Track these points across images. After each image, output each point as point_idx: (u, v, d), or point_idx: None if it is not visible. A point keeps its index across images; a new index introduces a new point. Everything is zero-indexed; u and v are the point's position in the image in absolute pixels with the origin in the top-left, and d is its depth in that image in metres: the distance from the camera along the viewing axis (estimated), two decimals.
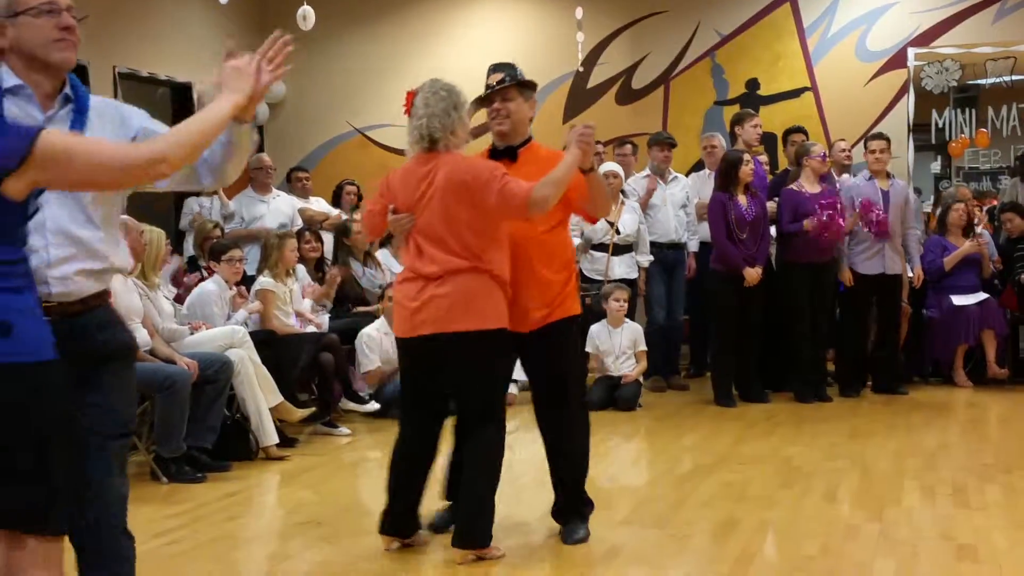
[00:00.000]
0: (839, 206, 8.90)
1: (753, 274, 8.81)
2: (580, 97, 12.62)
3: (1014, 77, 11.75)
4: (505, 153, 5.05)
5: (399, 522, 4.96)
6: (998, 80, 11.80)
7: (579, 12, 12.04)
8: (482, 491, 4.82)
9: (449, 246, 4.70)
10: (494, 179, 4.63)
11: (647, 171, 10.03)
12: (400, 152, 5.02)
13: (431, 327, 4.69)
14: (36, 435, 2.69)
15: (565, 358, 5.17)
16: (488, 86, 5.04)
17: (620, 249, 9.45)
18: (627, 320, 9.14)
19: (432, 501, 5.19)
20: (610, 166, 9.56)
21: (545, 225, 4.94)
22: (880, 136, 9.67)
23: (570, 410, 5.15)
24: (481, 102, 5.08)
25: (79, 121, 3.19)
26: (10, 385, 2.64)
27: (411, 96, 4.89)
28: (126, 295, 6.75)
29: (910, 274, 9.55)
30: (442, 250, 4.71)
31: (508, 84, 5.01)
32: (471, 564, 4.71)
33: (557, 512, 5.22)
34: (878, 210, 8.98)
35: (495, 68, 5.12)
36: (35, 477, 2.68)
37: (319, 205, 10.76)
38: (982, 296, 9.65)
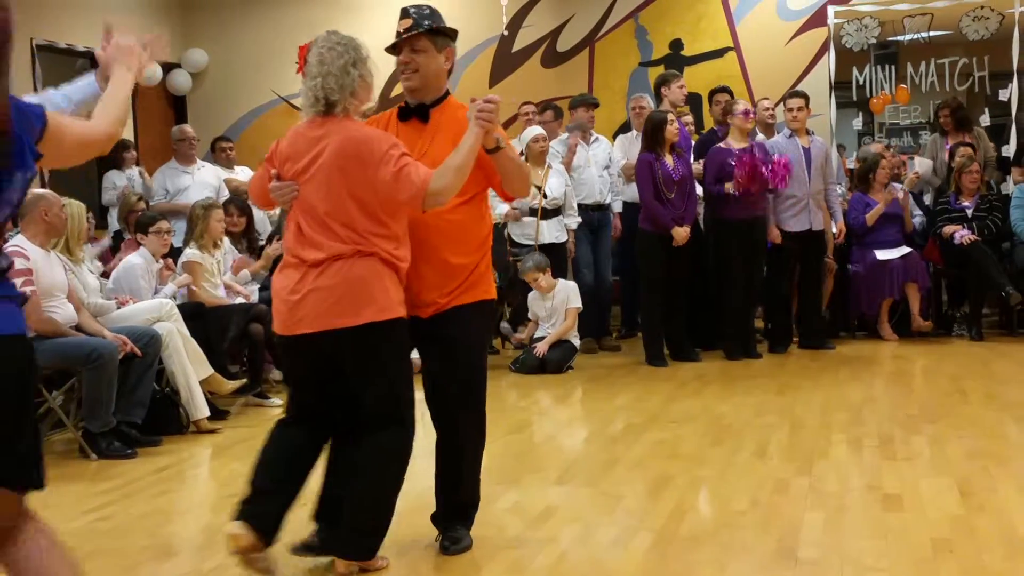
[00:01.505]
0: (773, 161, 8.94)
1: (682, 233, 8.84)
2: (505, 61, 12.58)
3: (931, 33, 11.85)
4: (416, 112, 4.41)
5: (257, 514, 4.14)
6: (916, 36, 11.89)
7: None
8: (375, 499, 4.21)
9: (333, 229, 4.05)
10: (390, 159, 4.00)
11: (567, 133, 10.01)
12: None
13: (313, 324, 4.03)
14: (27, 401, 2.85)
15: (463, 346, 4.41)
16: (397, 33, 4.36)
17: (548, 213, 9.45)
18: (560, 281, 9.15)
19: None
20: (537, 129, 9.58)
21: (457, 200, 4.25)
22: (797, 94, 9.75)
23: (466, 409, 4.48)
24: (391, 51, 4.44)
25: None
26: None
27: (304, 51, 4.31)
28: (49, 270, 6.66)
29: (833, 230, 9.64)
30: (324, 233, 4.06)
31: (417, 32, 4.33)
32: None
33: (437, 518, 4.62)
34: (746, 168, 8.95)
35: (404, 12, 4.40)
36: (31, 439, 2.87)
37: (245, 175, 10.60)
38: (905, 250, 9.75)
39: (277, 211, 8.86)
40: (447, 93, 4.52)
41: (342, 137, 4.08)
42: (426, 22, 4.33)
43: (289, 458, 4.27)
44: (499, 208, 9.48)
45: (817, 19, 12.04)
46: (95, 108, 3.24)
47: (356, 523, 4.18)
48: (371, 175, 4.02)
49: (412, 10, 4.37)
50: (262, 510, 4.13)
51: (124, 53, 3.41)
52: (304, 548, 4.35)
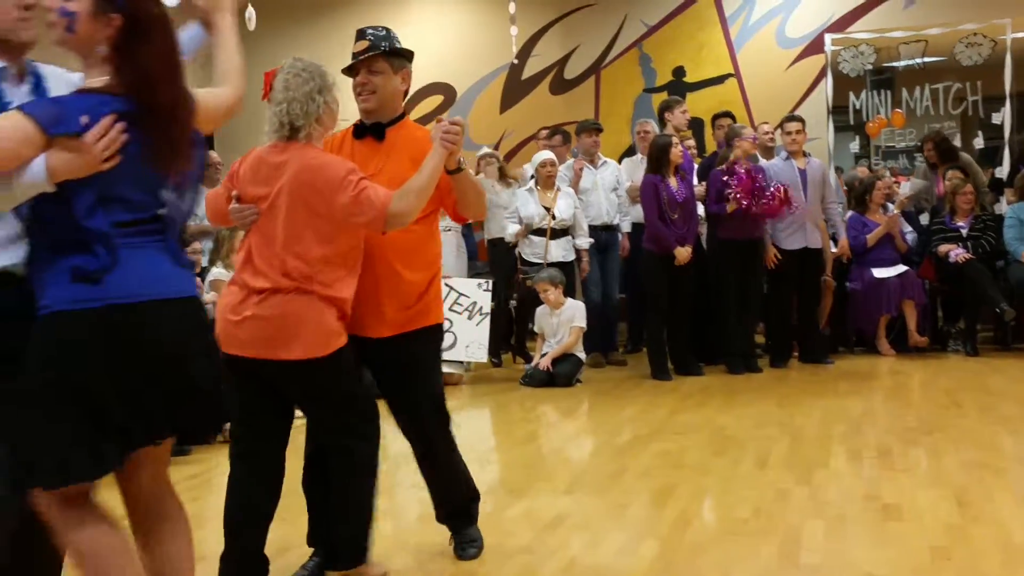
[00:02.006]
0: (772, 188, 8.97)
1: (684, 253, 8.84)
2: (515, 88, 12.63)
3: (926, 59, 11.88)
4: (371, 130, 4.24)
5: (242, 568, 4.14)
6: (911, 63, 11.92)
7: (512, 7, 12.05)
8: (353, 512, 4.11)
9: (282, 259, 3.85)
10: (348, 184, 3.80)
11: (573, 157, 10.05)
12: None
13: (253, 350, 3.83)
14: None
15: (418, 374, 4.31)
16: (353, 54, 4.24)
17: (557, 233, 9.49)
18: (569, 300, 9.15)
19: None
20: (546, 154, 9.62)
21: (426, 227, 4.24)
22: (795, 118, 9.77)
23: (438, 421, 4.39)
24: (347, 73, 4.30)
25: (41, 89, 3.10)
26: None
27: (269, 77, 4.13)
28: None
29: (833, 248, 9.64)
30: (272, 264, 3.86)
31: (374, 53, 4.20)
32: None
33: (442, 519, 4.60)
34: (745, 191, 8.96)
35: (360, 33, 4.30)
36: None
37: None
38: (902, 268, 9.76)
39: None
40: (403, 114, 4.39)
41: (300, 165, 3.89)
42: (383, 44, 4.25)
43: (248, 496, 4.16)
44: (509, 228, 9.54)
45: (815, 46, 12.08)
46: (218, 66, 3.34)
47: (339, 536, 4.11)
48: (329, 201, 3.82)
49: (369, 32, 4.29)
50: (240, 556, 4.13)
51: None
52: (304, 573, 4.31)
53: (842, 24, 12.04)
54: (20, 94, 3.01)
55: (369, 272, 4.08)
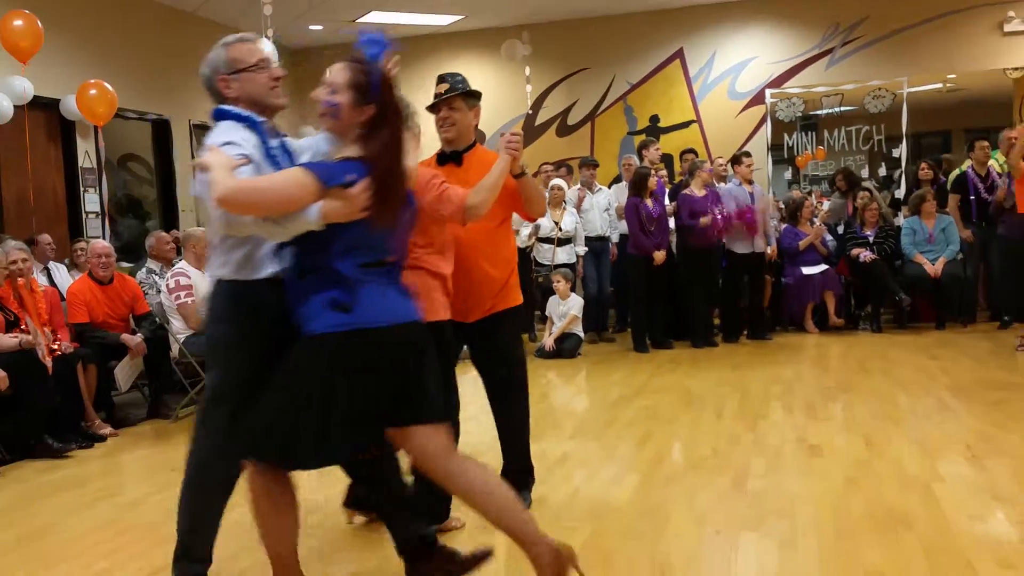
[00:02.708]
0: (725, 212, 9.05)
1: (660, 256, 8.85)
2: (530, 132, 12.61)
3: (842, 108, 11.85)
4: (451, 158, 4.07)
5: (361, 500, 4.05)
6: (831, 111, 11.89)
7: (527, 70, 12.10)
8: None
9: (428, 235, 3.77)
10: (433, 186, 3.71)
11: (579, 185, 10.05)
12: None
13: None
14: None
15: (505, 343, 4.15)
16: (436, 95, 4.08)
17: (562, 241, 9.48)
18: (572, 294, 9.17)
19: None
20: (556, 181, 9.63)
21: (491, 224, 3.98)
22: (748, 154, 9.75)
23: (512, 390, 4.20)
24: (430, 110, 4.12)
25: (287, 144, 3.15)
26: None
27: None
28: (203, 284, 6.71)
29: (768, 251, 9.62)
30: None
31: (454, 94, 4.05)
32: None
33: (504, 474, 4.23)
34: (750, 214, 9.13)
35: (441, 78, 4.16)
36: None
37: None
38: (824, 267, 9.71)
39: None
40: (475, 142, 4.19)
41: None
42: (460, 86, 4.08)
43: None
44: (522, 232, 9.54)
45: (758, 99, 12.04)
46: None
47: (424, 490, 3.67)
48: (420, 200, 3.60)
49: (448, 76, 4.13)
50: (360, 492, 3.97)
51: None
52: None
53: (778, 82, 11.98)
54: (274, 144, 3.03)
55: (462, 271, 3.94)
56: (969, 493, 4.14)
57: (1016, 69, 11.40)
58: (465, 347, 4.23)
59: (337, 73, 2.85)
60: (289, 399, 2.78)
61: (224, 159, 2.75)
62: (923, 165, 10.45)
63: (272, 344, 2.94)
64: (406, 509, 3.28)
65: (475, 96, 4.17)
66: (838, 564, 3.39)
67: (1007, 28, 11.23)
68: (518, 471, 4.22)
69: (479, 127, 4.31)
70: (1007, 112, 11.12)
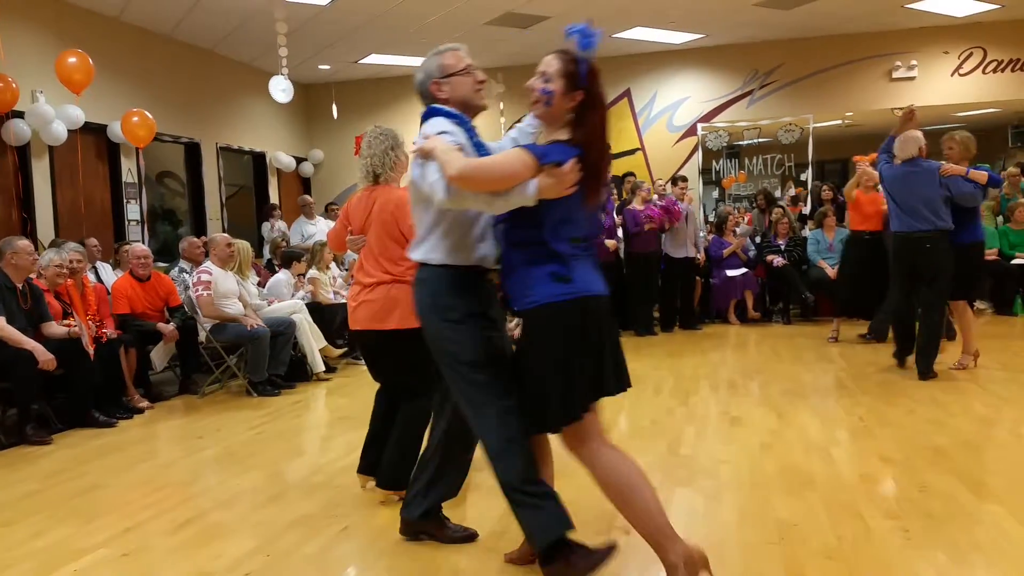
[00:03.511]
0: (664, 205, 9.09)
1: (612, 244, 8.96)
2: None
3: (760, 140, 11.92)
4: None
5: (370, 465, 3.87)
6: (751, 141, 11.96)
7: (501, 106, 12.04)
8: (403, 448, 3.65)
9: (379, 262, 3.65)
10: (408, 215, 3.40)
11: None
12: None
13: (365, 324, 3.65)
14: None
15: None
16: None
17: None
18: None
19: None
20: None
21: None
22: (685, 178, 9.79)
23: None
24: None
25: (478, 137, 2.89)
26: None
27: (359, 140, 3.84)
28: (225, 282, 6.68)
29: (699, 256, 9.66)
30: (374, 265, 3.66)
31: None
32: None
33: None
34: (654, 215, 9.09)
35: None
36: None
37: None
38: (744, 270, 9.76)
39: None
40: None
41: (383, 200, 3.69)
42: None
43: (376, 416, 3.90)
44: None
45: (691, 131, 12.09)
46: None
47: (388, 463, 3.72)
48: (400, 223, 3.61)
49: None
50: (370, 462, 3.86)
51: None
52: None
53: (708, 117, 12.03)
54: (476, 139, 2.83)
55: None
56: (861, 456, 4.18)
57: (901, 108, 11.52)
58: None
59: (550, 63, 2.66)
60: (540, 367, 2.60)
61: (446, 145, 2.60)
62: (825, 187, 10.50)
63: (477, 327, 2.77)
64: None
65: None
66: (754, 515, 3.41)
67: (894, 75, 11.41)
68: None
69: None
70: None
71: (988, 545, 2.98)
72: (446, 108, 2.87)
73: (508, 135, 2.98)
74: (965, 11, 10.35)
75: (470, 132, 2.83)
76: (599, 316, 2.62)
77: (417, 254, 2.86)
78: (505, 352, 2.84)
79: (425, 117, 2.87)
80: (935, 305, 6.05)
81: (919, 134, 6.13)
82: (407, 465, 3.56)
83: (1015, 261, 9.40)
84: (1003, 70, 11.07)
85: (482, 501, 3.68)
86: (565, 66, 2.62)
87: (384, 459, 3.72)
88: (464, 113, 2.87)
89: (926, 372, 6.01)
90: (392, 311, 3.58)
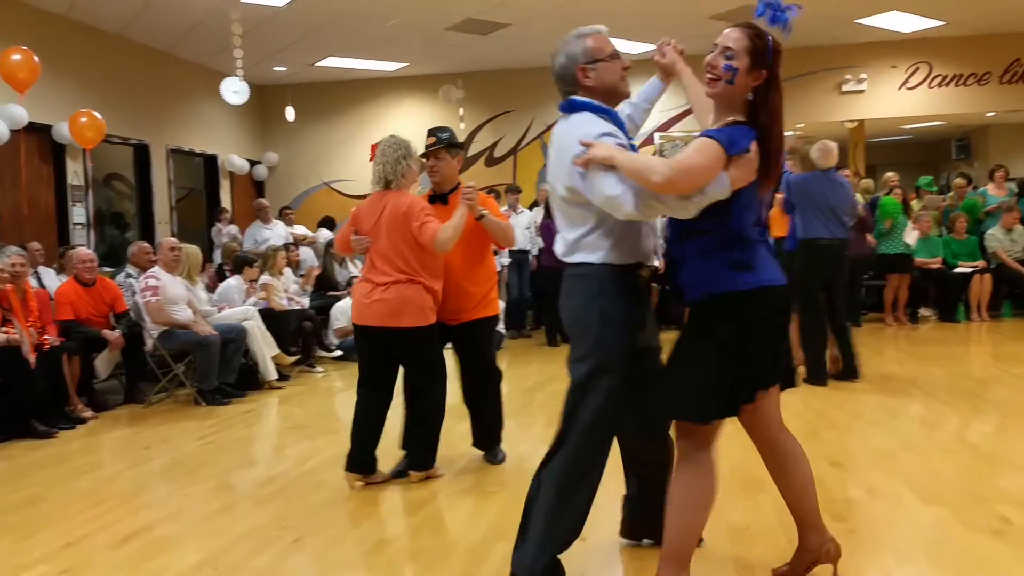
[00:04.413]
0: None
1: None
2: (463, 163, 12.54)
3: None
4: (439, 198, 4.23)
5: (360, 463, 4.12)
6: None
7: (461, 111, 12.06)
8: (429, 432, 4.15)
9: (394, 263, 3.95)
10: (416, 218, 3.92)
11: (506, 207, 10.04)
12: (353, 197, 4.25)
13: (378, 321, 3.93)
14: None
15: (479, 343, 4.32)
16: (426, 146, 4.21)
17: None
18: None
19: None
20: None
21: (471, 252, 4.19)
22: None
23: (488, 378, 4.42)
24: (422, 158, 4.26)
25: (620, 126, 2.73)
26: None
27: (374, 148, 4.19)
28: (174, 288, 6.56)
29: (660, 264, 9.68)
30: (388, 266, 3.95)
31: (438, 147, 4.19)
32: (423, 481, 4.12)
33: (478, 443, 4.56)
34: None
35: (430, 132, 4.25)
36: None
37: (301, 230, 10.58)
38: None
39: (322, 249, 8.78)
40: (459, 183, 4.25)
41: (394, 204, 3.99)
42: (443, 139, 4.20)
43: (366, 413, 4.13)
44: None
45: (649, 140, 12.17)
46: (695, 100, 2.83)
47: (417, 447, 4.17)
48: (409, 227, 3.94)
49: (436, 131, 4.24)
50: (360, 456, 4.10)
51: (682, 62, 2.93)
52: (396, 474, 4.22)
53: (666, 126, 12.12)
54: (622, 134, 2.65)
55: (449, 285, 4.14)
56: (809, 460, 4.15)
57: (851, 121, 11.86)
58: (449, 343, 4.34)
59: (736, 38, 2.46)
60: (706, 357, 2.48)
61: (625, 152, 2.45)
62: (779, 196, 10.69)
63: (636, 326, 2.70)
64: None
65: (458, 146, 4.29)
66: (709, 519, 3.39)
67: (844, 88, 11.65)
68: (494, 438, 4.53)
69: (420, 157, 4.35)
70: (844, 156, 11.39)
71: (932, 546, 3.06)
72: (592, 101, 2.67)
73: (621, 110, 2.76)
74: (912, 27, 10.61)
75: (622, 126, 2.69)
76: (780, 306, 2.54)
77: (575, 255, 2.73)
78: (649, 350, 2.80)
79: (567, 110, 2.69)
80: (842, 309, 6.30)
81: (835, 144, 6.38)
82: (435, 447, 4.15)
83: (958, 270, 9.66)
84: (947, 85, 11.35)
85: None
86: (752, 43, 2.45)
87: (412, 444, 4.16)
88: (607, 103, 2.69)
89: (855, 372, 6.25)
90: (405, 310, 3.92)
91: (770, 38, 2.47)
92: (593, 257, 2.67)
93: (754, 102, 2.48)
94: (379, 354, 4.07)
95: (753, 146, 2.41)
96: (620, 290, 2.66)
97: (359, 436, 4.11)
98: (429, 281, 3.99)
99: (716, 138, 2.38)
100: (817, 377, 6.16)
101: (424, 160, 4.25)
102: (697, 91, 2.73)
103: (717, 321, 2.48)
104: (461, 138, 12.14)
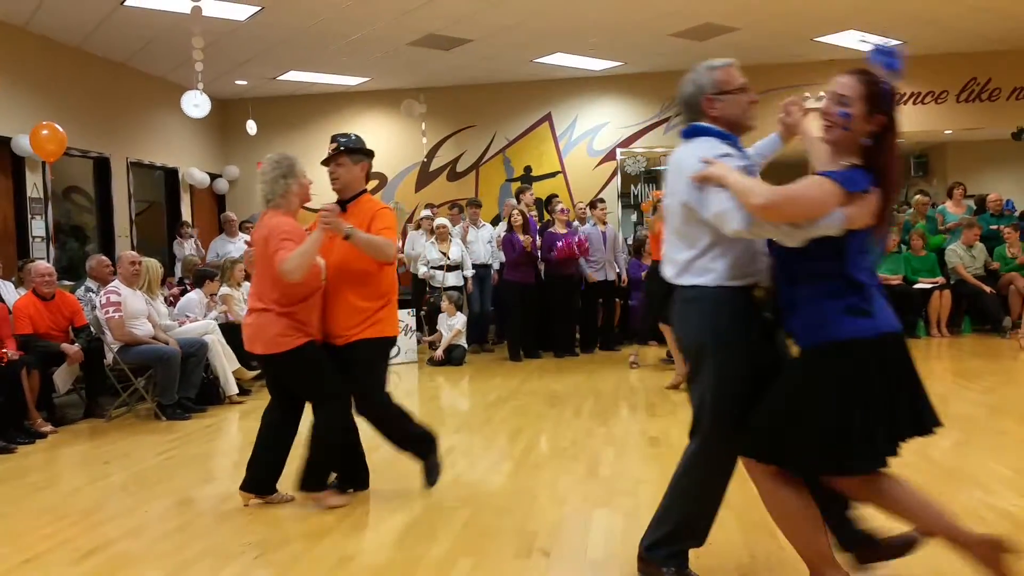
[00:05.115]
0: (577, 240, 9.09)
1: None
2: (425, 176, 12.58)
3: None
4: (340, 205, 3.95)
5: (254, 482, 4.04)
6: (667, 167, 12.19)
7: (423, 126, 12.09)
8: (310, 454, 3.97)
9: (257, 288, 3.86)
10: (272, 243, 3.73)
11: (466, 221, 10.08)
12: (315, 211, 4.04)
13: (248, 346, 3.90)
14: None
15: (361, 369, 3.90)
16: (329, 152, 4.00)
17: (451, 268, 9.47)
18: (459, 312, 9.15)
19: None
20: (441, 220, 9.65)
21: (367, 266, 3.86)
22: (603, 200, 9.95)
23: (375, 409, 3.98)
24: (324, 165, 4.03)
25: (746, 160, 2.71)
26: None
27: (260, 166, 3.97)
28: (134, 302, 6.50)
29: (624, 278, 9.79)
30: (255, 291, 3.88)
31: (338, 152, 3.97)
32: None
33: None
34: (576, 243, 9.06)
35: (333, 138, 4.04)
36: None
37: None
38: None
39: None
40: (363, 191, 4.05)
41: (262, 227, 3.84)
42: (343, 144, 3.98)
43: (265, 432, 4.05)
44: (421, 269, 9.53)
45: (611, 155, 12.28)
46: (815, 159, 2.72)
47: (306, 466, 3.99)
48: (268, 252, 3.76)
49: (339, 136, 4.04)
50: (259, 476, 4.02)
51: (807, 121, 2.95)
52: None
53: (627, 143, 12.24)
54: (743, 157, 2.67)
55: (329, 299, 3.91)
56: None
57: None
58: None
59: (850, 86, 2.49)
60: (830, 405, 2.42)
61: (739, 172, 2.47)
62: None
63: (753, 347, 2.64)
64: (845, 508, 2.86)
65: (361, 152, 4.02)
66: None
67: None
68: (314, 477, 4.03)
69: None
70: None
71: (899, 563, 3.06)
72: (714, 127, 2.72)
73: (731, 161, 2.59)
74: (870, 46, 10.83)
75: (743, 153, 2.71)
76: (900, 353, 2.49)
77: (686, 277, 2.70)
78: (774, 365, 2.65)
79: (689, 135, 2.74)
80: None
81: None
82: (317, 472, 3.96)
83: (917, 286, 9.82)
84: (906, 103, 11.62)
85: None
86: (867, 88, 2.49)
87: (306, 463, 3.97)
88: (732, 132, 2.73)
89: None
90: (256, 337, 3.83)
91: (886, 83, 2.50)
92: (705, 279, 2.66)
93: (871, 147, 2.50)
94: (269, 375, 4.10)
95: (872, 189, 2.42)
96: (735, 312, 2.64)
97: (257, 455, 4.03)
98: (285, 307, 3.78)
99: (832, 177, 2.40)
100: None
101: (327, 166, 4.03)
102: (818, 152, 2.71)
103: (836, 368, 2.44)
104: (425, 151, 12.21)
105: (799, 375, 2.53)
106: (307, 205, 4.09)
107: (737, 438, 2.64)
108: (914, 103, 11.67)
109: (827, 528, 2.73)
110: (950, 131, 12.06)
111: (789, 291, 2.55)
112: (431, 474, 4.22)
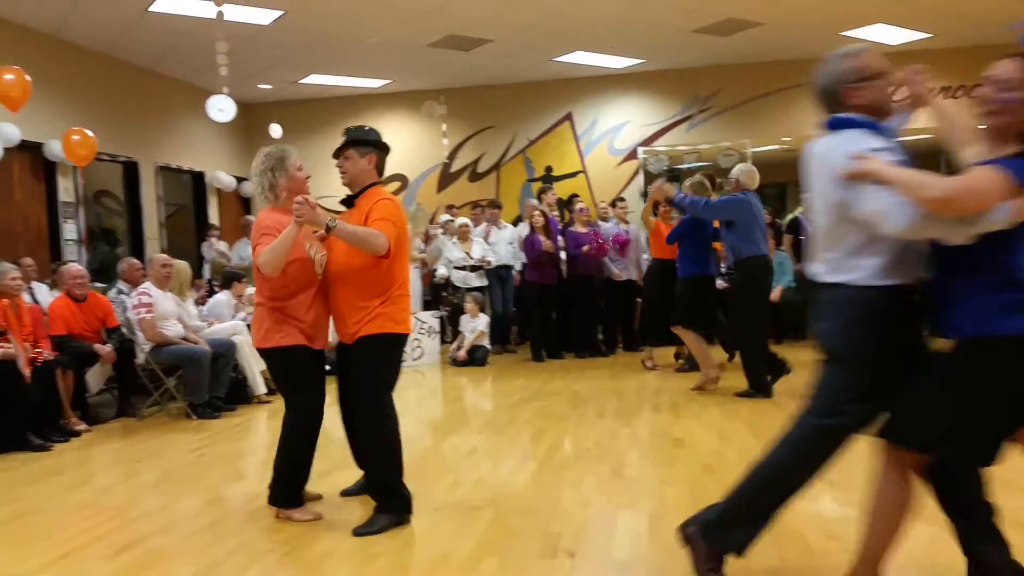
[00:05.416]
0: (602, 239, 9.11)
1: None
2: (447, 178, 12.64)
3: (699, 164, 12.12)
4: (346, 201, 3.85)
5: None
6: (691, 165, 12.15)
7: (444, 127, 12.14)
8: (276, 462, 3.88)
9: (256, 284, 3.82)
10: (253, 239, 3.68)
11: (486, 222, 10.12)
12: (338, 213, 3.69)
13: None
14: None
15: (361, 367, 3.69)
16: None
17: (474, 268, 9.51)
18: (481, 313, 9.18)
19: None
20: (462, 220, 9.71)
21: (361, 263, 3.62)
22: (623, 199, 9.95)
23: (368, 411, 3.72)
24: (334, 158, 3.88)
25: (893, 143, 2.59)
26: None
27: None
28: (165, 304, 6.59)
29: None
30: (255, 287, 3.85)
31: (344, 144, 3.83)
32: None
33: (365, 488, 3.99)
34: (596, 243, 9.07)
35: (344, 131, 3.90)
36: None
37: None
38: None
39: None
40: (372, 184, 3.82)
41: (254, 223, 3.77)
42: (351, 136, 3.83)
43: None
44: (440, 270, 9.58)
45: (632, 154, 12.26)
46: (951, 135, 2.55)
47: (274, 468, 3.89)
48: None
49: (348, 129, 3.89)
50: (286, 492, 3.88)
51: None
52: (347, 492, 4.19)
53: (649, 141, 12.22)
54: (897, 150, 2.53)
55: (332, 299, 3.80)
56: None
57: None
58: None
59: (1009, 69, 2.37)
60: (980, 400, 2.36)
61: (898, 168, 2.35)
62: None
63: (895, 348, 2.53)
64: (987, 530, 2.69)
65: (368, 144, 3.83)
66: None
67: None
68: (373, 489, 3.83)
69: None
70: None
71: (927, 562, 3.04)
72: (857, 117, 2.57)
73: (886, 156, 2.46)
74: (899, 39, 10.70)
75: (896, 146, 2.55)
76: None
77: (833, 275, 2.57)
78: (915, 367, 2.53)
79: (833, 127, 2.61)
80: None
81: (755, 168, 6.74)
82: (283, 483, 3.86)
83: None
84: (936, 97, 11.50)
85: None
86: None
87: (274, 479, 3.89)
88: (876, 119, 2.60)
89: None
90: (254, 331, 3.83)
91: None
92: (852, 277, 2.53)
93: None
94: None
95: None
96: (876, 317, 2.50)
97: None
98: (276, 302, 3.71)
99: (1004, 167, 2.26)
100: (764, 391, 6.47)
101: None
102: (951, 121, 2.56)
103: (994, 365, 2.35)
104: (446, 153, 12.26)
105: (954, 368, 2.42)
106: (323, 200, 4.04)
107: (877, 425, 2.56)
108: (945, 97, 11.54)
109: (957, 536, 2.69)
110: (984, 125, 11.89)
111: (947, 282, 2.43)
112: (375, 523, 3.66)
